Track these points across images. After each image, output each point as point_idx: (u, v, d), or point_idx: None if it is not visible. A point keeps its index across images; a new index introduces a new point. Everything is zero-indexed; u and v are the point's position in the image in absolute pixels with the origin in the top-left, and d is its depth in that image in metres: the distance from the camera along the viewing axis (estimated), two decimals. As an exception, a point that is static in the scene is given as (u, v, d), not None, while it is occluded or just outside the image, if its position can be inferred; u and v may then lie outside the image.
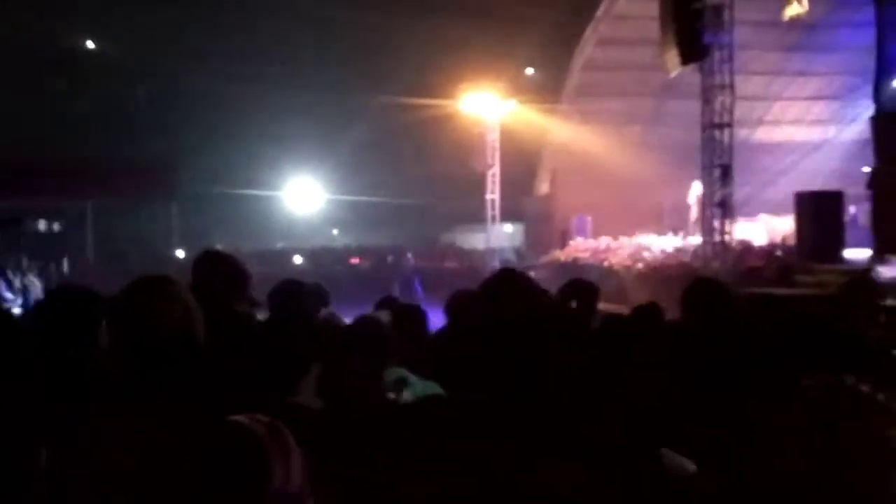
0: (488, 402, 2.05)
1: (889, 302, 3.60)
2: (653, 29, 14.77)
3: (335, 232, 33.94)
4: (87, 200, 27.85)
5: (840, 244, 12.43)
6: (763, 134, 23.35)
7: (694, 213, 17.70)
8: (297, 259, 26.85)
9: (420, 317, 4.32)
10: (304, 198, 31.38)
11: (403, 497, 2.15)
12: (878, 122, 11.63)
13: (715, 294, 3.50)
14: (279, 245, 30.05)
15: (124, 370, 1.72)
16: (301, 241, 30.02)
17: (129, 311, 1.74)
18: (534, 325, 2.09)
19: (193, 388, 1.65)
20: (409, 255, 24.95)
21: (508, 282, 2.05)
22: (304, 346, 2.76)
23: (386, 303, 4.86)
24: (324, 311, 4.85)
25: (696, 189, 16.95)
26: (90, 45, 28.06)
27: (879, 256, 9.99)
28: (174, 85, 27.63)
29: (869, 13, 12.54)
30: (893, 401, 1.22)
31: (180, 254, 25.47)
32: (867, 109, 14.58)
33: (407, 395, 3.11)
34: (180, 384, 1.64)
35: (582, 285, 4.05)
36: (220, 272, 3.05)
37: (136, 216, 29.40)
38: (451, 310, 3.89)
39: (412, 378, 3.19)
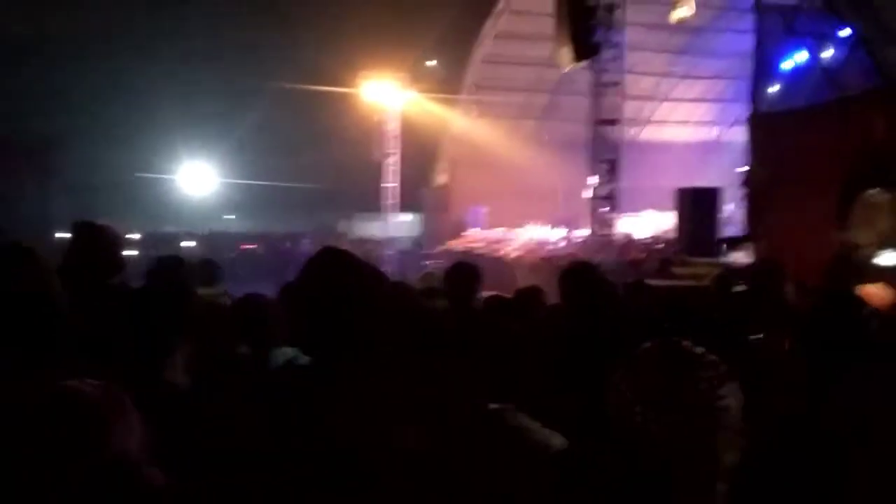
0: (345, 370, 2.07)
1: (739, 287, 3.88)
2: (550, 25, 15.09)
3: (230, 217, 33.11)
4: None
5: (715, 239, 13.09)
6: (651, 133, 24.30)
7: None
8: (189, 243, 26.06)
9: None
10: (197, 182, 30.45)
11: (262, 468, 2.18)
12: (753, 123, 12.28)
13: (586, 275, 3.66)
14: (169, 229, 29.08)
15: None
16: (194, 225, 29.17)
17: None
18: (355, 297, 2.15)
19: (46, 352, 1.61)
20: (307, 241, 24.65)
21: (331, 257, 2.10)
22: (175, 322, 2.71)
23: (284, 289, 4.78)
24: (209, 290, 4.76)
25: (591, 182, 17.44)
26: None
27: (733, 246, 10.62)
28: (63, 65, 26.28)
29: (750, 20, 13.23)
30: (728, 365, 1.31)
31: (65, 236, 24.26)
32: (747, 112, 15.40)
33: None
34: (30, 348, 1.60)
35: (463, 268, 4.14)
36: (93, 244, 2.96)
37: (17, 198, 27.82)
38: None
39: (300, 357, 3.19)
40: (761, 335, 3.91)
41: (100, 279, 2.88)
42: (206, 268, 4.84)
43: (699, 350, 1.29)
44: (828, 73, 11.36)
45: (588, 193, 16.69)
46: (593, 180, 16.70)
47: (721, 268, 9.73)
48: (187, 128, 27.86)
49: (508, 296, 4.74)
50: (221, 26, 26.99)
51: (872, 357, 2.23)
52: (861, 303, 2.38)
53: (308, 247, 24.13)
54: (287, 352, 3.28)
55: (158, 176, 28.94)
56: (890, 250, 4.79)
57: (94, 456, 1.54)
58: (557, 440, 1.94)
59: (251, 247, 26.15)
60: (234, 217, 32.84)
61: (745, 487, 1.31)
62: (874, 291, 3.90)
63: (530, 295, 4.52)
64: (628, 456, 1.27)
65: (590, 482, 1.31)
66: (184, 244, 25.84)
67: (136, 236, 22.62)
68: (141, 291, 3.06)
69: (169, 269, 3.52)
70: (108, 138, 26.52)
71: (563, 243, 17.39)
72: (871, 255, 4.93)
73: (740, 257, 8.97)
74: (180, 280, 3.44)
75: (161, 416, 2.05)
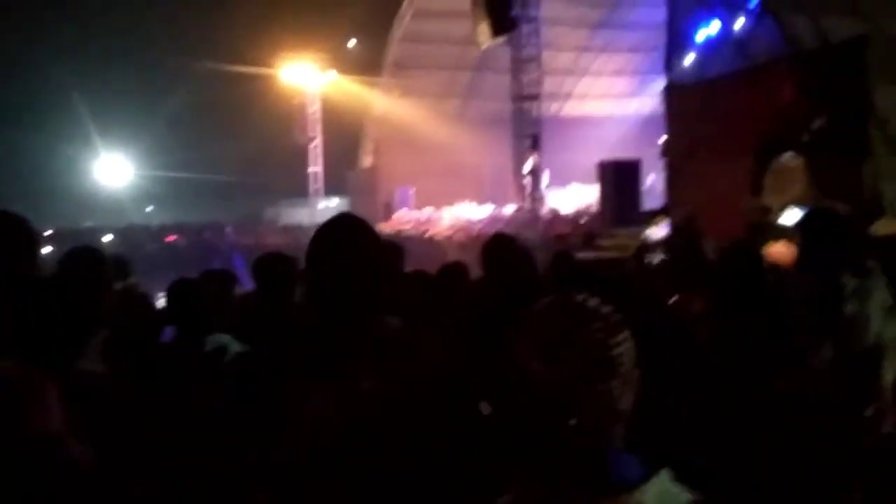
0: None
1: (657, 258, 4.01)
2: (468, 2, 15.08)
3: (150, 209, 32.22)
4: None
5: (637, 210, 13.38)
6: (572, 108, 24.63)
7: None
8: (108, 237, 25.22)
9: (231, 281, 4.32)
10: (114, 174, 29.49)
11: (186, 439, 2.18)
12: (667, 94, 12.55)
13: (505, 246, 3.70)
14: (87, 224, 28.10)
15: None
16: (112, 219, 28.26)
17: None
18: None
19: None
20: (229, 231, 24.18)
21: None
22: (91, 309, 2.64)
23: (206, 275, 4.70)
24: (123, 283, 4.65)
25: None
26: None
27: (649, 221, 10.89)
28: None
29: (662, -7, 13.47)
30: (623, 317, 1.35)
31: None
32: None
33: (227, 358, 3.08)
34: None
35: (386, 245, 4.13)
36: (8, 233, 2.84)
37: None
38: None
39: (235, 345, 3.14)
40: (676, 297, 4.04)
41: (13, 269, 2.77)
42: (117, 264, 4.71)
43: (592, 302, 1.33)
44: (738, 43, 11.68)
45: (527, 169, 16.84)
46: (534, 157, 16.86)
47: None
48: (102, 118, 26.95)
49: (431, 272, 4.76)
50: (137, 7, 26.10)
51: (769, 307, 2.32)
52: (759, 258, 2.46)
53: (231, 236, 23.68)
54: (221, 338, 3.23)
55: (71, 168, 27.93)
56: (791, 209, 4.98)
57: (14, 430, 1.59)
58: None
59: (172, 239, 25.50)
60: (152, 209, 31.97)
61: (642, 429, 1.37)
62: (779, 249, 4.05)
63: (453, 270, 4.54)
64: (529, 404, 1.30)
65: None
66: (103, 239, 25.02)
67: (49, 232, 21.77)
68: (56, 279, 2.97)
69: (82, 258, 3.41)
70: (15, 129, 25.38)
71: (490, 220, 17.52)
72: (778, 217, 5.12)
73: (659, 230, 9.21)
74: (95, 268, 3.34)
75: (78, 403, 2.02)
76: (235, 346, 3.12)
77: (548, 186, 17.78)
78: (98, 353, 2.69)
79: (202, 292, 3.46)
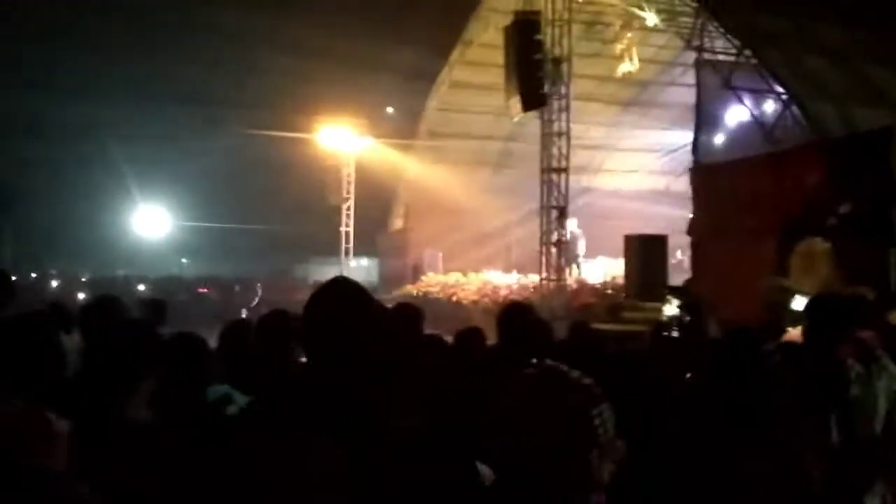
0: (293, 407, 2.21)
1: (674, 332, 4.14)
2: (502, 76, 15.53)
3: (184, 261, 32.83)
4: None
5: (663, 284, 13.41)
6: (602, 181, 24.90)
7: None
8: (141, 287, 25.72)
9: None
10: (152, 225, 30.21)
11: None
12: (694, 173, 12.76)
13: (520, 315, 3.86)
14: (121, 272, 28.68)
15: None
16: (147, 269, 28.86)
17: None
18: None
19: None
20: (259, 286, 24.54)
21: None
22: (142, 358, 2.82)
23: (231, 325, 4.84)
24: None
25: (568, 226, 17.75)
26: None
27: (674, 293, 10.91)
28: (16, 101, 26.09)
29: (692, 75, 13.83)
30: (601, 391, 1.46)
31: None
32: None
33: (232, 410, 3.23)
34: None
35: (405, 308, 4.32)
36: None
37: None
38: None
39: (237, 394, 3.29)
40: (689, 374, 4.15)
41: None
42: (155, 307, 4.91)
43: (574, 373, 1.44)
44: (764, 127, 11.92)
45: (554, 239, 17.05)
46: (572, 223, 17.06)
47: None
48: (143, 172, 27.77)
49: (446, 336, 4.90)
50: (180, 71, 27.13)
51: (771, 387, 2.45)
52: (761, 338, 2.59)
53: (259, 291, 24.00)
54: (221, 389, 3.38)
55: (110, 218, 28.69)
56: (800, 296, 5.09)
57: (14, 467, 1.66)
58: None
59: (204, 290, 25.89)
60: (185, 261, 32.55)
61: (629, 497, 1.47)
62: (798, 334, 4.16)
63: (469, 334, 4.69)
64: (509, 469, 1.40)
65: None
66: (138, 287, 25.51)
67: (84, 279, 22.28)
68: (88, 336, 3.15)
69: (104, 307, 3.60)
70: (59, 178, 26.26)
71: (516, 287, 17.64)
72: (791, 301, 5.23)
73: (672, 307, 9.26)
74: (119, 318, 3.53)
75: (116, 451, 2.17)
76: (239, 397, 3.26)
77: (584, 256, 17.95)
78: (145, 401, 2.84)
79: (200, 345, 3.61)
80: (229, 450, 2.51)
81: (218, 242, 29.67)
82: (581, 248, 17.63)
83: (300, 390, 2.16)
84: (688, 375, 4.18)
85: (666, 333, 4.91)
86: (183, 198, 29.22)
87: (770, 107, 12.21)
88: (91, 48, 26.17)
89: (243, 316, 16.76)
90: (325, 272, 28.53)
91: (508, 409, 1.43)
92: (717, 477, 2.04)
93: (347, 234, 24.32)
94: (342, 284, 2.11)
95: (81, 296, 18.43)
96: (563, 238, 14.64)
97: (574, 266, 17.40)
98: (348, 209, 24.21)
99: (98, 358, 2.91)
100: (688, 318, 3.86)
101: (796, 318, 4.94)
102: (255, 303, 21.13)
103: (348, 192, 24.08)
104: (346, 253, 24.48)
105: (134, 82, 26.95)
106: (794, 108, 11.19)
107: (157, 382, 3.03)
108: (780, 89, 11.50)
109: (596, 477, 1.37)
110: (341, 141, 23.52)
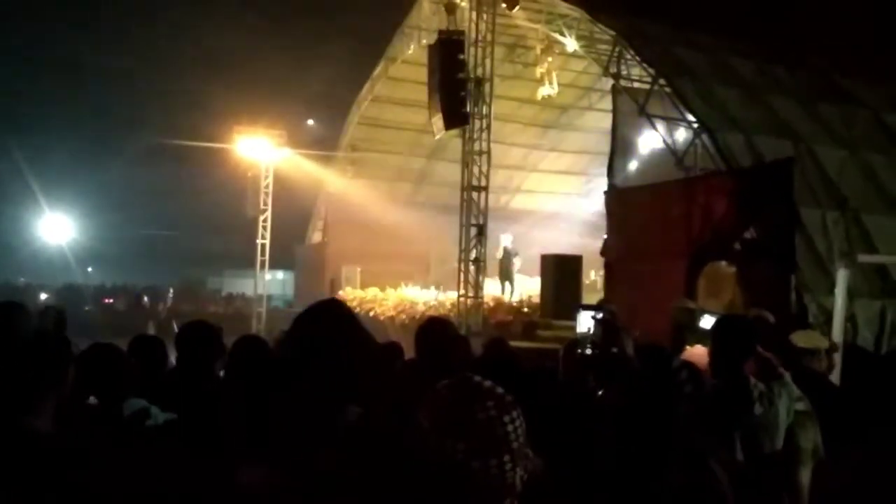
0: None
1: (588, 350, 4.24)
2: (425, 93, 15.62)
3: (90, 269, 31.59)
4: None
5: (577, 303, 13.65)
6: (520, 201, 25.31)
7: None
8: (43, 296, 24.58)
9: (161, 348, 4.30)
10: (57, 232, 28.98)
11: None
12: (609, 196, 13.09)
13: (438, 330, 3.86)
14: (21, 280, 27.37)
15: None
16: (51, 277, 27.63)
17: None
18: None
19: None
20: (170, 296, 23.81)
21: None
22: (50, 368, 2.68)
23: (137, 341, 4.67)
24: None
25: (503, 241, 17.85)
26: None
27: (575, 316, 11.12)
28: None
29: (610, 101, 14.23)
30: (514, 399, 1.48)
31: None
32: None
33: (150, 424, 3.13)
34: None
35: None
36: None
37: None
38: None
39: (154, 409, 3.19)
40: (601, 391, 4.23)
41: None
42: (58, 316, 4.69)
43: (487, 383, 1.47)
44: (676, 154, 12.34)
45: (498, 254, 17.17)
46: (507, 240, 17.17)
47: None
48: (51, 179, 26.69)
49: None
50: (91, 78, 26.28)
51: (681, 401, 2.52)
52: (670, 357, 2.67)
53: (169, 302, 23.31)
54: (137, 402, 3.27)
55: (15, 227, 27.42)
56: (711, 314, 5.29)
57: None
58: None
59: (110, 301, 24.95)
60: (91, 270, 31.34)
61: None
62: (696, 351, 4.31)
63: (387, 350, 4.67)
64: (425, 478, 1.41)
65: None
66: (41, 297, 24.36)
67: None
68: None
69: (5, 314, 3.43)
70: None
71: (433, 304, 17.68)
72: (699, 319, 5.42)
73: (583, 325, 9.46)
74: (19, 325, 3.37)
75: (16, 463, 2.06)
76: (157, 412, 3.17)
77: (518, 271, 18.09)
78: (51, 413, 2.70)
79: (118, 357, 3.49)
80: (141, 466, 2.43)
81: (125, 251, 28.71)
82: (517, 264, 17.82)
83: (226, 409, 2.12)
84: (599, 392, 4.28)
85: (579, 350, 5.01)
86: (90, 205, 28.22)
87: (682, 135, 12.65)
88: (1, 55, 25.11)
89: (150, 329, 16.24)
90: (240, 284, 27.96)
91: (424, 417, 1.44)
92: (631, 491, 2.08)
93: (264, 246, 23.90)
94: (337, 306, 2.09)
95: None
96: (483, 256, 14.75)
97: (507, 283, 17.52)
98: (265, 221, 23.81)
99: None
100: (601, 334, 3.94)
101: (700, 336, 5.12)
102: (164, 315, 20.45)
103: (265, 204, 23.70)
104: (262, 265, 24.04)
105: (43, 89, 25.92)
106: (705, 137, 11.61)
107: (68, 394, 2.91)
108: (692, 118, 11.93)
109: (509, 482, 1.40)
110: (259, 151, 23.15)
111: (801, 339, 5.06)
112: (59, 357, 2.73)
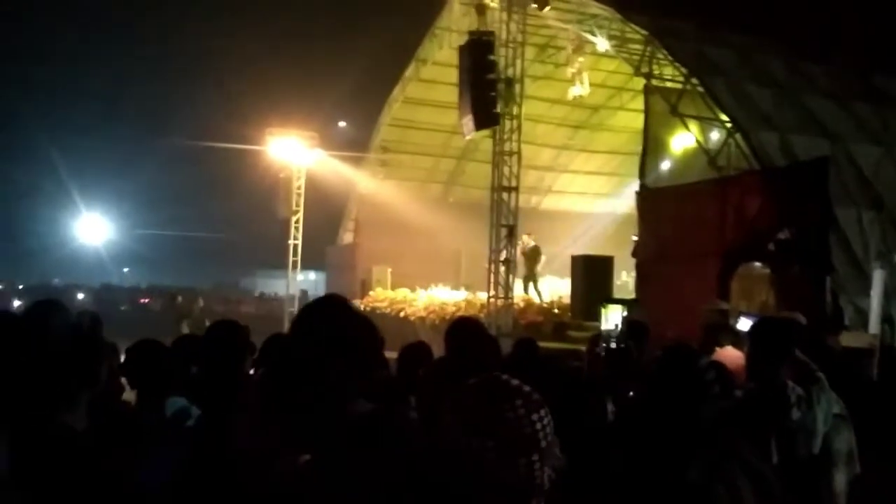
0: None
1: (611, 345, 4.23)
2: (456, 94, 15.61)
3: (126, 270, 32.11)
4: None
5: (608, 303, 13.59)
6: (551, 202, 25.21)
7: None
8: (80, 296, 25.04)
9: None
10: (93, 232, 29.49)
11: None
12: (641, 197, 13.01)
13: (468, 329, 3.87)
14: (58, 281, 27.90)
15: None
16: (87, 278, 28.14)
17: None
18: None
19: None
20: (202, 296, 24.09)
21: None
22: (86, 366, 2.73)
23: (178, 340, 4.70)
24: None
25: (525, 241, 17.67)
26: None
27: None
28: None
29: (641, 101, 14.12)
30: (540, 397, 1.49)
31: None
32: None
33: (190, 424, 3.16)
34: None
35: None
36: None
37: None
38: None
39: (194, 409, 3.22)
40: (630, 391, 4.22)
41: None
42: (92, 321, 4.76)
43: (515, 382, 1.48)
44: (709, 154, 12.22)
45: (502, 257, 16.96)
46: (528, 241, 16.95)
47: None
48: (87, 180, 27.19)
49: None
50: (127, 80, 26.68)
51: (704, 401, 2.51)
52: (696, 356, 2.66)
53: (201, 304, 23.55)
54: (178, 401, 3.31)
55: (52, 228, 27.96)
56: (748, 316, 5.24)
57: None
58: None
59: (146, 301, 25.33)
60: (126, 270, 31.86)
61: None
62: (729, 353, 4.27)
63: (416, 350, 4.68)
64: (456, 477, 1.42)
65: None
66: (78, 296, 24.83)
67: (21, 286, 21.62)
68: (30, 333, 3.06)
69: (52, 313, 3.51)
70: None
71: (464, 304, 17.67)
72: (735, 321, 5.37)
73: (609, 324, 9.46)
74: (55, 323, 3.44)
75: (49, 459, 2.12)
76: (195, 411, 3.20)
77: (545, 272, 17.93)
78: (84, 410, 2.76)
79: (163, 354, 3.53)
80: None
81: (161, 251, 29.16)
82: (541, 263, 17.67)
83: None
84: (630, 393, 4.26)
85: (605, 345, 5.00)
86: (127, 206, 28.71)
87: (715, 134, 12.54)
88: (37, 56, 25.64)
89: (185, 329, 16.45)
90: (272, 285, 28.21)
91: (451, 416, 1.45)
92: (654, 490, 2.07)
93: (296, 246, 24.05)
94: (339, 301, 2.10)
95: (17, 303, 17.86)
96: (513, 257, 14.72)
97: (531, 284, 17.31)
98: (297, 222, 23.97)
99: (38, 363, 2.83)
100: (626, 332, 3.93)
101: (734, 337, 5.07)
102: (197, 314, 20.70)
103: (298, 205, 23.85)
104: (294, 266, 24.21)
105: (79, 91, 26.41)
106: (738, 137, 11.49)
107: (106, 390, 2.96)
108: (725, 117, 11.81)
109: (537, 481, 1.40)
110: (291, 153, 23.32)
111: (847, 339, 4.99)
112: (93, 354, 2.78)
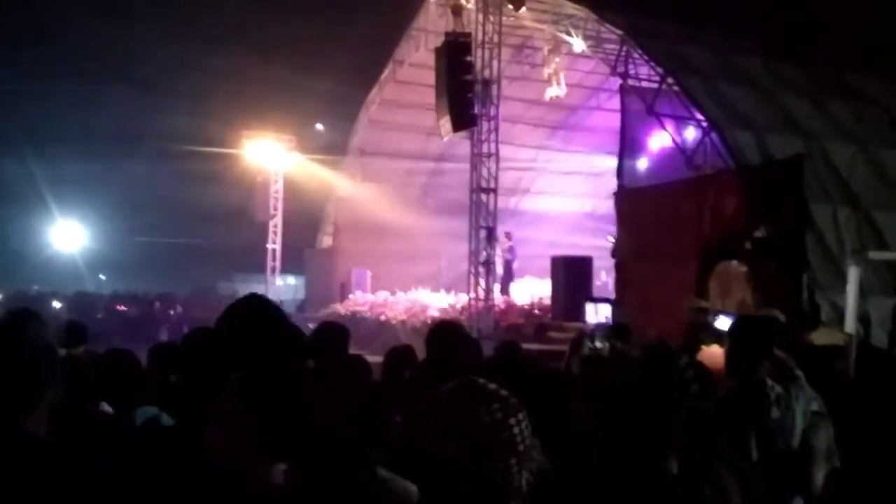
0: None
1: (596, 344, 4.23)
2: (433, 95, 15.61)
3: (102, 277, 31.76)
4: None
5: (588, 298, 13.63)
6: (530, 203, 25.25)
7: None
8: (56, 304, 24.71)
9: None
10: (69, 239, 29.16)
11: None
12: (619, 197, 13.07)
13: (449, 333, 3.86)
14: (34, 288, 27.51)
15: None
16: (63, 285, 27.75)
17: None
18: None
19: None
20: (180, 303, 23.89)
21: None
22: (42, 371, 2.68)
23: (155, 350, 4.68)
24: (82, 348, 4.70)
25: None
26: None
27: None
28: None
29: (618, 100, 14.20)
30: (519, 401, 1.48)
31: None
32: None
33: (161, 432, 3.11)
34: None
35: (330, 327, 4.27)
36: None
37: None
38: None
39: (165, 416, 3.19)
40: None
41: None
42: (72, 330, 4.73)
43: (492, 386, 1.47)
44: (685, 153, 12.30)
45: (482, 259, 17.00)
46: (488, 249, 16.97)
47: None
48: (61, 186, 26.86)
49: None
50: (101, 84, 26.45)
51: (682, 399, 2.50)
52: (674, 355, 2.66)
53: (180, 309, 23.38)
54: (150, 410, 3.27)
55: (27, 234, 27.63)
56: (726, 314, 5.26)
57: None
58: (412, 487, 2.10)
59: (123, 308, 25.04)
60: (103, 277, 31.50)
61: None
62: (711, 352, 4.28)
63: (401, 353, 4.67)
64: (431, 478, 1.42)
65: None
66: (53, 304, 24.49)
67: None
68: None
69: (20, 319, 3.46)
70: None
71: (444, 307, 17.67)
72: (714, 319, 5.39)
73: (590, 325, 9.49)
74: (41, 331, 3.40)
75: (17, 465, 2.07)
76: (168, 420, 3.16)
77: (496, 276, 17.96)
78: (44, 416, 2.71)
79: (132, 365, 3.48)
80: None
81: (138, 257, 28.81)
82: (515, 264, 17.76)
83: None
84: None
85: (591, 344, 5.00)
86: (103, 213, 28.37)
87: (691, 133, 12.62)
88: (10, 61, 25.35)
89: (163, 335, 16.31)
90: (251, 289, 27.91)
91: (428, 419, 1.45)
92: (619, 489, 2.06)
93: (274, 251, 23.95)
94: (258, 300, 2.08)
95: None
96: (493, 258, 14.72)
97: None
98: (275, 226, 23.86)
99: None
100: (613, 331, 3.93)
101: (715, 336, 5.08)
102: (175, 320, 20.52)
103: (275, 209, 23.74)
104: (273, 270, 24.09)
105: (52, 95, 26.08)
106: (714, 135, 11.58)
107: (71, 399, 2.91)
108: (701, 117, 11.89)
109: (515, 485, 1.40)
110: (268, 156, 23.20)
111: (818, 337, 5.02)
112: (45, 358, 2.72)
